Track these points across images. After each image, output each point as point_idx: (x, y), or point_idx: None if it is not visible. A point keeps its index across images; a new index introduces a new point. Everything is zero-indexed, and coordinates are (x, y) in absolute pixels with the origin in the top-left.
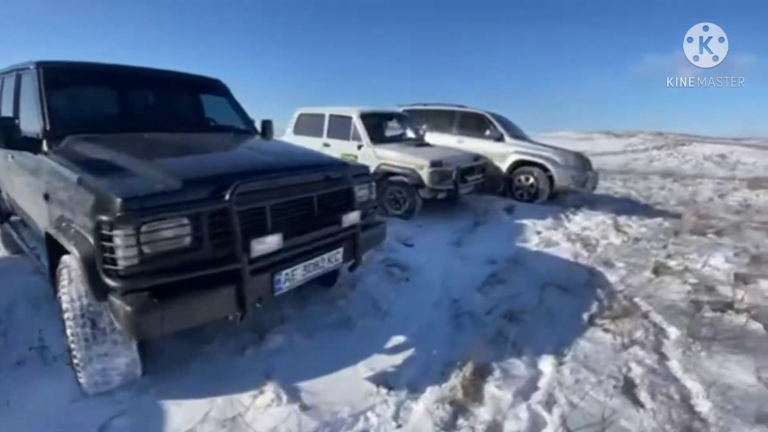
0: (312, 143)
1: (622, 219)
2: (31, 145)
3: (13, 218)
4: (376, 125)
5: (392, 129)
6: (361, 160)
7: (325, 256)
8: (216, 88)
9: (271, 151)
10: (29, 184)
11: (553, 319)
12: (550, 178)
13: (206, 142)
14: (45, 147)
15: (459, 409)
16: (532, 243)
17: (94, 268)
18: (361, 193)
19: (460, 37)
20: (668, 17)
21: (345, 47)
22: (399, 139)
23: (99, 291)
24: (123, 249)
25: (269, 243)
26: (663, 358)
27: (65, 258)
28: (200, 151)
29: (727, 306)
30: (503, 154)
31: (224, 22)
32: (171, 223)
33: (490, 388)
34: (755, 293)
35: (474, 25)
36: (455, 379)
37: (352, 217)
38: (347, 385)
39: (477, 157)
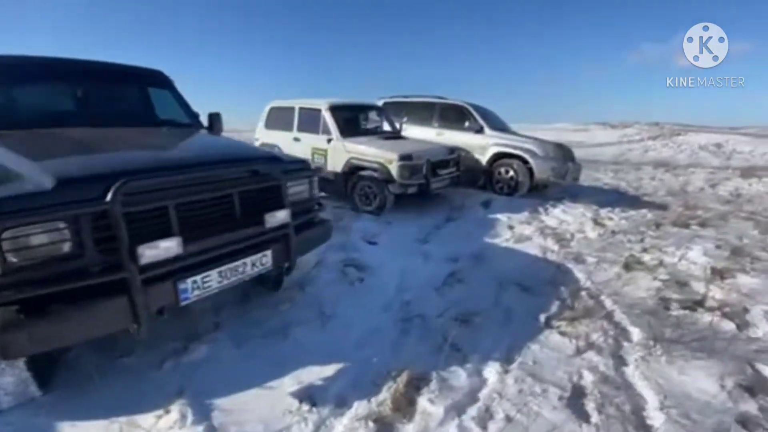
0: (283, 138)
1: (604, 211)
2: None
3: None
4: (350, 118)
5: (368, 122)
6: (330, 155)
7: (248, 260)
8: (157, 80)
9: (195, 145)
10: None
11: (507, 322)
12: (531, 171)
13: (126, 137)
14: None
15: (383, 427)
16: (502, 238)
17: None
18: (297, 189)
19: (455, 27)
20: (664, 3)
21: (341, 39)
22: (373, 132)
23: None
24: None
25: (163, 248)
26: (620, 363)
27: None
28: (110, 147)
29: (698, 304)
30: (483, 146)
31: (223, 22)
32: (42, 229)
33: (423, 401)
34: (731, 289)
35: (469, 14)
36: (387, 392)
37: (279, 217)
38: (267, 402)
39: (452, 150)
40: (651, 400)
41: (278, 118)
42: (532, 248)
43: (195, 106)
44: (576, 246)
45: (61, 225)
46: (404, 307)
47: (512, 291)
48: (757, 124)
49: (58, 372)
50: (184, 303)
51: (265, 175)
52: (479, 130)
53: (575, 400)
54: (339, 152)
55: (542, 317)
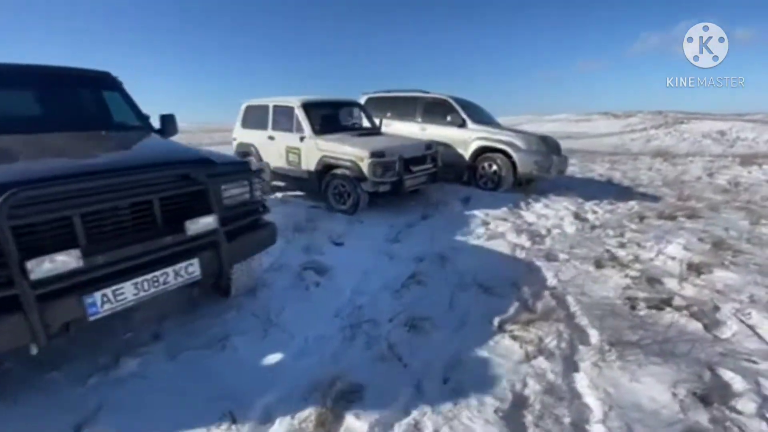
0: (258, 137)
1: (590, 204)
2: None
3: None
4: (324, 115)
5: (345, 119)
6: (304, 153)
7: (169, 270)
8: (104, 82)
9: (122, 150)
10: None
11: (459, 326)
12: (514, 165)
13: (52, 143)
14: None
15: None
16: (474, 236)
17: None
18: (234, 192)
19: (453, 18)
20: None
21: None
22: (350, 129)
23: None
24: None
25: (60, 262)
26: (570, 370)
27: None
28: (23, 155)
29: (665, 302)
30: (466, 140)
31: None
32: None
33: (350, 416)
34: (705, 286)
35: (467, 5)
36: (313, 407)
37: (204, 223)
38: (186, 420)
39: (429, 146)
40: (596, 411)
41: (254, 117)
42: (502, 246)
43: (196, 105)
44: (550, 242)
45: None
46: (355, 312)
47: (472, 292)
48: (763, 110)
49: None
50: (93, 318)
51: (187, 180)
52: (462, 124)
53: (513, 413)
54: (312, 150)
55: (496, 321)
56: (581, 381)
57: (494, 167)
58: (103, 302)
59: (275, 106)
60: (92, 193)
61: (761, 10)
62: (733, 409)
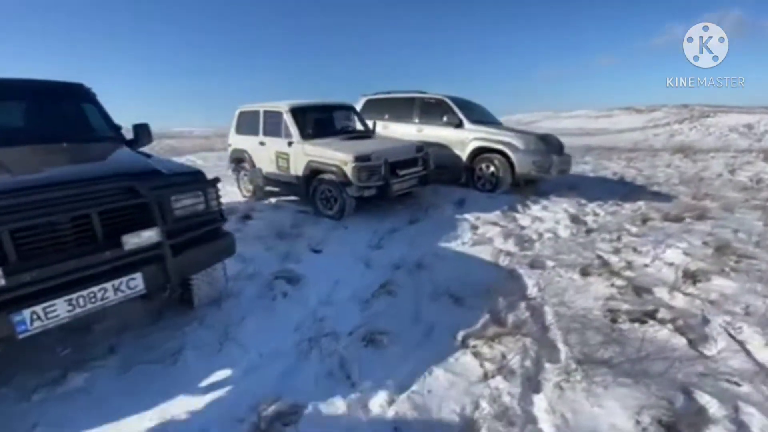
0: (251, 142)
1: (592, 206)
2: None
3: None
4: (313, 120)
5: (336, 122)
6: (292, 158)
7: (108, 285)
8: (76, 93)
9: (69, 163)
10: None
11: (421, 341)
12: (512, 165)
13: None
14: None
15: None
16: (459, 242)
17: None
18: (187, 203)
19: (467, 16)
20: None
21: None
22: (341, 132)
23: None
24: None
25: None
26: (530, 391)
27: None
28: None
29: (649, 315)
30: (463, 141)
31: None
32: None
33: None
34: (698, 295)
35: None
36: (249, 429)
37: (145, 237)
38: None
39: (420, 148)
40: None
41: (247, 123)
42: (486, 252)
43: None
44: (539, 248)
45: None
46: (316, 325)
47: (442, 303)
48: None
49: None
50: (23, 336)
51: (131, 193)
52: (459, 125)
53: None
54: (299, 155)
55: (461, 335)
56: (540, 404)
57: (492, 168)
58: (32, 320)
59: (265, 112)
60: (22, 209)
61: None
62: None
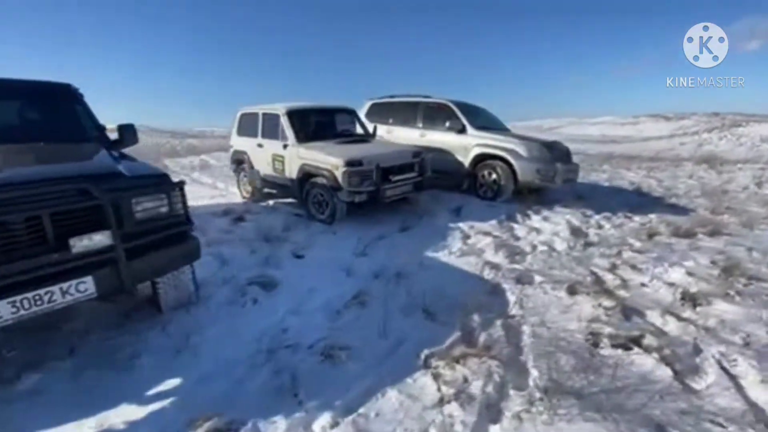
0: (250, 144)
1: (598, 217)
2: None
3: None
4: (310, 123)
5: (337, 126)
6: (287, 161)
7: (55, 288)
8: (63, 94)
9: (34, 163)
10: None
11: (382, 357)
12: (515, 173)
13: None
14: None
15: None
16: (447, 252)
17: None
18: (147, 206)
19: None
20: None
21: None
22: (339, 136)
23: None
24: None
25: None
26: (486, 421)
27: None
28: None
29: (635, 341)
30: (465, 147)
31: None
32: None
33: None
34: (694, 321)
35: (515, 8)
36: None
37: (96, 240)
38: None
39: (416, 153)
40: None
41: (247, 125)
42: (473, 264)
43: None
44: (530, 261)
45: None
46: (279, 336)
47: (414, 317)
48: None
49: None
50: None
51: (82, 195)
52: (461, 130)
53: None
54: (294, 158)
55: (425, 353)
56: None
57: (494, 176)
58: None
59: (264, 114)
60: None
61: None
62: None
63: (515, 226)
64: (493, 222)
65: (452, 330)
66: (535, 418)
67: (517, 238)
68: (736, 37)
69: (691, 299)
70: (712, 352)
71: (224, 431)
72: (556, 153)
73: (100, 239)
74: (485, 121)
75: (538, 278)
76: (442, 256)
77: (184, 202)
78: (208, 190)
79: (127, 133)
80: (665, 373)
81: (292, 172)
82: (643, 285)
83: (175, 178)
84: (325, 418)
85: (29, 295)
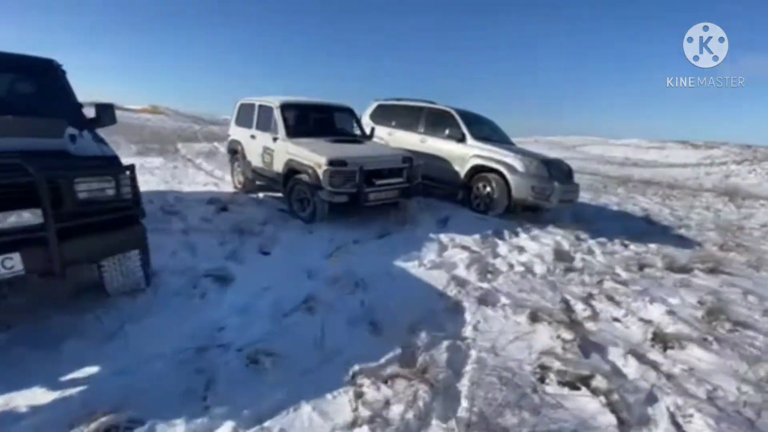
0: (245, 135)
1: (591, 242)
2: None
3: None
4: (304, 118)
5: (333, 124)
6: (276, 154)
7: None
8: (44, 69)
9: None
10: None
11: (310, 369)
12: (510, 188)
13: None
14: None
15: None
16: (417, 263)
17: None
18: (94, 187)
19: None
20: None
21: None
22: (330, 134)
23: None
24: None
25: None
26: None
27: None
28: None
29: (584, 381)
30: (463, 156)
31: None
32: None
33: None
34: (659, 366)
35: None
36: None
37: (25, 217)
38: None
39: (407, 158)
40: None
41: (245, 115)
42: (439, 279)
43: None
44: (501, 282)
45: None
46: (213, 334)
47: (359, 330)
48: None
49: None
50: None
51: (15, 171)
52: (461, 139)
53: None
54: (281, 152)
55: (354, 369)
56: None
57: (488, 188)
58: None
59: (260, 106)
60: None
61: None
62: None
63: (499, 242)
64: (477, 236)
65: (393, 347)
66: None
67: (497, 256)
68: None
69: (662, 341)
70: (667, 404)
71: (119, 429)
72: (554, 171)
73: (28, 217)
74: (487, 132)
75: (503, 300)
76: (411, 267)
77: (135, 186)
78: (204, 177)
79: (105, 112)
80: (609, 420)
81: (279, 166)
82: (615, 319)
83: (179, 162)
84: (226, 427)
85: None
